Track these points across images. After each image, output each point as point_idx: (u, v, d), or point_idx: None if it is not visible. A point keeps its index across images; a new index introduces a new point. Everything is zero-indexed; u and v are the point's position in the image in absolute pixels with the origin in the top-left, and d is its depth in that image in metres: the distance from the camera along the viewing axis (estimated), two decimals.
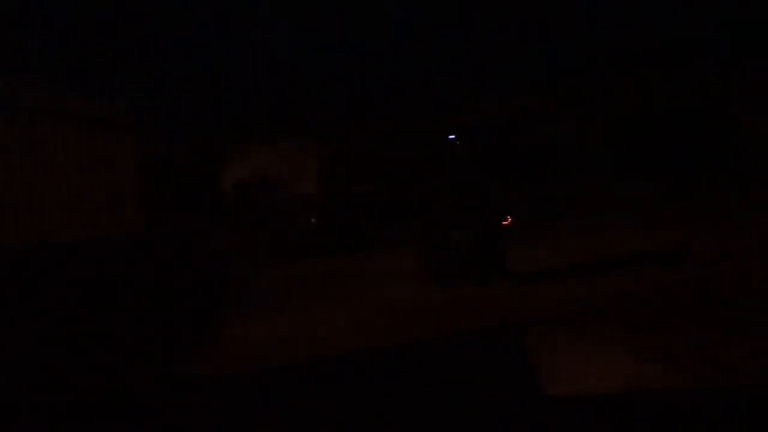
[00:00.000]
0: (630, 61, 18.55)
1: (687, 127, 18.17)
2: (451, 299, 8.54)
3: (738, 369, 4.85)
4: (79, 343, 6.64)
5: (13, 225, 8.33)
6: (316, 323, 7.64)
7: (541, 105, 19.21)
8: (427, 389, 5.14)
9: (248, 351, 6.66)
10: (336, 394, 5.22)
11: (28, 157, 8.68)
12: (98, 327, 7.15)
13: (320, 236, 15.97)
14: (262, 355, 6.51)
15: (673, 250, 10.97)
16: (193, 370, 6.18)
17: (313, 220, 16.21)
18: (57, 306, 7.19)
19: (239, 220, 15.87)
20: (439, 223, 10.36)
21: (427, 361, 5.94)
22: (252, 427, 4.74)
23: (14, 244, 8.27)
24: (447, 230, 10.11)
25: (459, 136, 19.42)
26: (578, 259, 10.75)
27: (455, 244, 9.96)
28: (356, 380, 5.57)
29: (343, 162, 18.96)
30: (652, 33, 18.85)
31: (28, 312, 6.89)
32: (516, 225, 10.23)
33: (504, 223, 10.17)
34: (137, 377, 5.99)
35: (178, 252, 11.44)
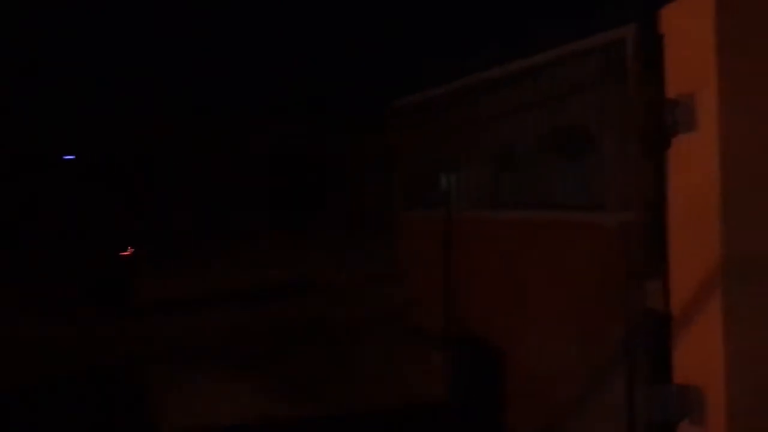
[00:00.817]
0: (254, 109, 20.10)
1: (299, 173, 21.11)
2: (65, 335, 8.28)
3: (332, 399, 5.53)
4: None
5: None
6: None
7: (167, 139, 19.58)
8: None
9: None
10: None
11: None
12: None
13: None
14: None
15: (291, 281, 12.02)
16: None
17: None
18: None
19: None
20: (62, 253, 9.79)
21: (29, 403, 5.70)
22: None
23: None
24: (66, 261, 9.67)
25: (79, 159, 18.44)
26: (206, 291, 11.12)
27: (75, 275, 9.57)
28: None
29: None
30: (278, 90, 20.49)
31: None
32: (144, 255, 10.12)
33: (124, 253, 9.98)
34: None
35: None
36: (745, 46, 2.88)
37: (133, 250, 9.97)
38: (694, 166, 2.99)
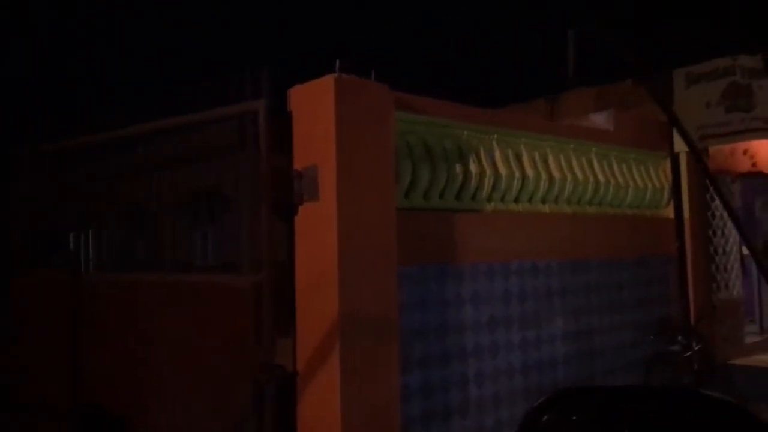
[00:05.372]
0: None
1: None
2: None
3: None
4: None
5: None
6: None
7: None
8: None
9: None
10: None
11: None
12: None
13: None
14: None
15: None
16: None
17: None
18: None
19: None
20: None
21: None
22: None
23: None
24: None
25: None
26: None
27: None
28: None
29: None
30: None
31: None
32: None
33: None
34: None
35: None
36: (360, 129, 3.31)
37: None
38: (317, 231, 3.29)
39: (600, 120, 5.08)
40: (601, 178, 4.70)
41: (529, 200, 4.26)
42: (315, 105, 3.30)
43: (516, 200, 4.19)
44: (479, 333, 3.87)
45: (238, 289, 3.48)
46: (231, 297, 3.54)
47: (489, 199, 4.00)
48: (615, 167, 4.88)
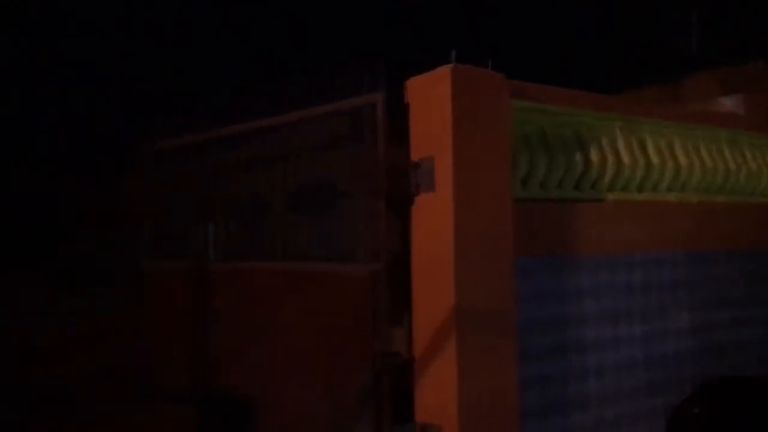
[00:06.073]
0: None
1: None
2: None
3: None
4: None
5: None
6: None
7: None
8: None
9: None
10: None
11: None
12: None
13: None
14: None
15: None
16: None
17: None
18: None
19: None
20: None
21: None
22: None
23: None
24: None
25: None
26: None
27: None
28: None
29: None
30: None
31: None
32: None
33: None
34: None
35: None
36: (476, 119, 3.29)
37: None
38: (433, 222, 3.30)
39: (729, 104, 4.80)
40: (731, 165, 4.44)
41: (654, 189, 4.08)
42: (432, 96, 3.31)
43: (639, 189, 4.03)
44: (600, 326, 3.77)
45: (356, 278, 3.55)
46: (348, 285, 3.61)
47: (610, 189, 3.87)
48: (747, 153, 4.60)
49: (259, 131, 4.33)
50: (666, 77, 6.73)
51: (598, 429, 3.73)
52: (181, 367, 4.62)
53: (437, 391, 3.24)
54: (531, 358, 3.48)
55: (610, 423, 3.78)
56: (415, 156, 3.38)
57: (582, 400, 3.68)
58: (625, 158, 3.88)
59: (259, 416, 4.07)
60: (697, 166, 4.24)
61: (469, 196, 3.24)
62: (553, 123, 3.68)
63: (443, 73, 3.24)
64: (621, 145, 3.90)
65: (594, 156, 3.75)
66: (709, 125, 4.43)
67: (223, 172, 4.70)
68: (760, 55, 5.78)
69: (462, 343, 3.15)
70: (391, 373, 3.38)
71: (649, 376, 3.95)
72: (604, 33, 9.73)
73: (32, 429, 5.91)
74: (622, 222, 3.94)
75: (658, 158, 4.04)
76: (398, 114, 3.46)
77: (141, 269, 5.26)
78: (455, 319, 3.15)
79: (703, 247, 4.34)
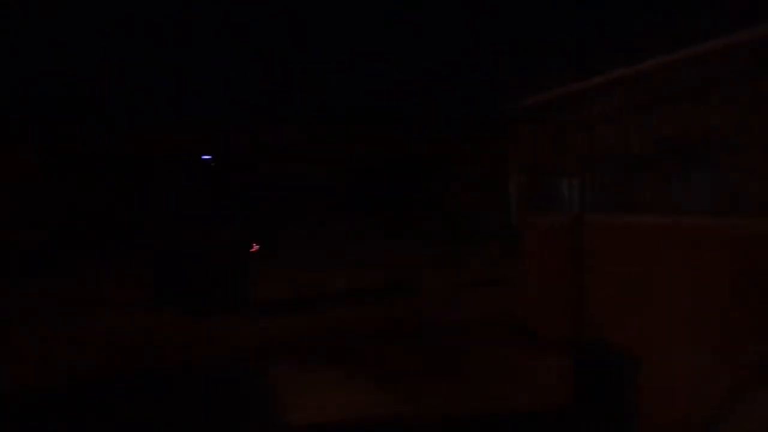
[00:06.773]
0: (352, 116, 21.25)
1: (401, 175, 21.54)
2: (183, 329, 8.38)
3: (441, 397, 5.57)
4: None
5: None
6: None
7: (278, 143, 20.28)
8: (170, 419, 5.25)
9: None
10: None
11: None
12: None
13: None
14: None
15: (395, 284, 12.07)
16: None
17: None
18: None
19: None
20: (175, 246, 9.84)
21: (165, 393, 5.96)
22: None
23: None
24: (182, 255, 9.69)
25: (213, 159, 19.43)
26: (310, 292, 11.25)
27: (191, 269, 9.58)
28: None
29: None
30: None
31: None
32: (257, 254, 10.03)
33: (251, 250, 9.92)
34: None
35: None
36: None
37: (258, 247, 10.25)
38: None
39: None
40: None
41: None
42: None
43: None
44: None
45: (745, 236, 3.23)
46: (740, 244, 3.31)
47: None
48: None
49: (624, 79, 4.15)
50: None
51: None
52: (562, 316, 4.74)
53: None
54: None
55: None
56: None
57: None
58: None
59: (641, 371, 4.00)
60: None
61: None
62: None
63: None
64: None
65: None
66: None
67: (594, 124, 4.62)
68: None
69: None
70: None
71: None
72: None
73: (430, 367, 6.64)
74: None
75: None
76: None
77: (518, 222, 5.49)
78: None
79: None
